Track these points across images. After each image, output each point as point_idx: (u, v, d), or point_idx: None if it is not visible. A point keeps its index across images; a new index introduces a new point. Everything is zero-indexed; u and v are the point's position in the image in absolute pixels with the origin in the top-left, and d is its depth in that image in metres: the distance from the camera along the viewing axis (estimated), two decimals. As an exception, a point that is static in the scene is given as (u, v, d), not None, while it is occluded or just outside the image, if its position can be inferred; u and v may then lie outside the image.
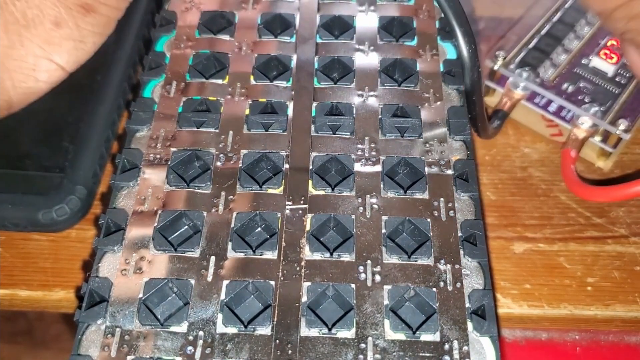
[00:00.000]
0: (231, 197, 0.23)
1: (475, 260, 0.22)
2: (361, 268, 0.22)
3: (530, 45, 0.33)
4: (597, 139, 0.30)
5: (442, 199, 0.23)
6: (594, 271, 0.28)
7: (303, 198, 0.23)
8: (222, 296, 0.21)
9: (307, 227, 0.23)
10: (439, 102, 0.26)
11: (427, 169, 0.24)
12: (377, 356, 0.20)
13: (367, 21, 0.29)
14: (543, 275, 0.27)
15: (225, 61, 0.28)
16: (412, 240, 0.23)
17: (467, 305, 0.21)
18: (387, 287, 0.21)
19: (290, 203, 0.23)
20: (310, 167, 0.24)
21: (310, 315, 0.21)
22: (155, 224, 0.23)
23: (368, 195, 0.23)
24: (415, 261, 0.22)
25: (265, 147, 0.25)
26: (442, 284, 0.21)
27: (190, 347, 0.20)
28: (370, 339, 0.20)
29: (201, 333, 0.20)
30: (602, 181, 0.31)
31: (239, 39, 0.29)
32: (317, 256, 0.22)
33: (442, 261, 0.22)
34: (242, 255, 0.22)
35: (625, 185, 0.27)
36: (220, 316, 0.21)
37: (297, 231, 0.23)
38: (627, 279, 0.27)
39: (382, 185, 0.24)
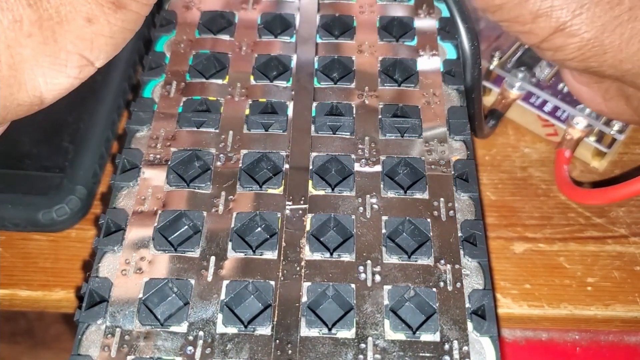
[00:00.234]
0: (231, 197, 0.23)
1: (475, 260, 0.22)
2: (361, 268, 0.22)
3: (527, 46, 0.33)
4: (591, 139, 0.30)
5: (442, 199, 0.23)
6: (594, 271, 0.28)
7: (303, 198, 0.23)
8: (222, 296, 0.21)
9: (307, 227, 0.23)
10: (439, 102, 0.26)
11: (427, 169, 0.24)
12: (377, 356, 0.20)
13: (367, 21, 0.29)
14: (543, 275, 0.27)
15: (225, 61, 0.28)
16: (412, 240, 0.23)
17: (467, 305, 0.21)
18: (387, 287, 0.21)
19: (290, 203, 0.23)
20: (310, 167, 0.24)
21: (310, 315, 0.21)
22: (155, 224, 0.23)
23: (368, 195, 0.23)
24: (415, 261, 0.22)
25: (265, 147, 0.25)
26: (442, 284, 0.21)
27: (190, 347, 0.20)
28: (370, 339, 0.20)
29: (201, 333, 0.20)
30: (599, 182, 0.31)
31: (239, 39, 0.29)
32: (317, 256, 0.22)
33: (442, 261, 0.22)
34: (242, 255, 0.22)
35: (615, 188, 0.27)
36: (220, 316, 0.21)
37: (297, 231, 0.23)
38: (627, 279, 0.27)
39: (382, 185, 0.24)
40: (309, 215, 0.23)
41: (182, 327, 0.20)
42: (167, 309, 0.21)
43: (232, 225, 0.23)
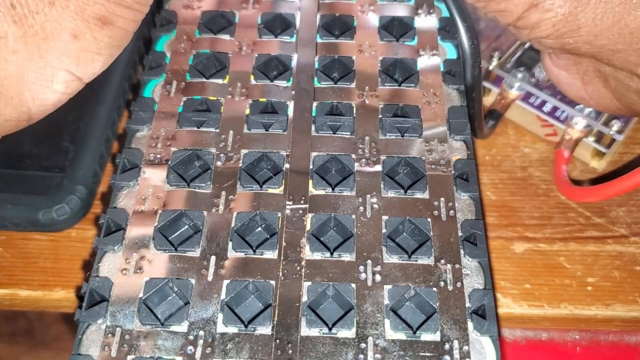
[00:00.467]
0: (231, 196, 0.23)
1: (476, 260, 0.22)
2: (361, 268, 0.22)
3: (526, 46, 0.33)
4: (590, 139, 0.30)
5: (442, 199, 0.23)
6: (594, 271, 0.28)
7: (303, 198, 0.23)
8: (223, 296, 0.21)
9: (308, 227, 0.23)
10: (439, 102, 0.26)
11: (427, 169, 0.24)
12: (378, 356, 0.20)
13: (367, 21, 0.29)
14: (543, 275, 0.27)
15: (225, 61, 0.28)
16: (413, 240, 0.23)
17: (468, 305, 0.21)
18: (387, 287, 0.21)
19: (290, 203, 0.23)
20: (311, 167, 0.24)
21: (310, 315, 0.21)
22: (156, 224, 0.23)
23: (368, 195, 0.23)
24: (416, 261, 0.22)
25: (266, 147, 0.25)
26: (442, 283, 0.21)
27: (190, 347, 0.20)
28: (370, 338, 0.20)
29: (201, 333, 0.20)
30: (597, 180, 0.31)
31: (239, 38, 0.29)
32: (318, 256, 0.22)
33: (443, 261, 0.22)
34: (242, 255, 0.22)
35: (611, 184, 0.27)
36: (220, 316, 0.21)
37: (298, 231, 0.23)
38: (627, 279, 0.27)
39: (382, 185, 0.24)
40: (309, 215, 0.23)
41: (183, 327, 0.20)
42: (167, 308, 0.21)
43: (233, 225, 0.23)
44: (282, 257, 0.22)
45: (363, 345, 0.20)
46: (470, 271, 0.22)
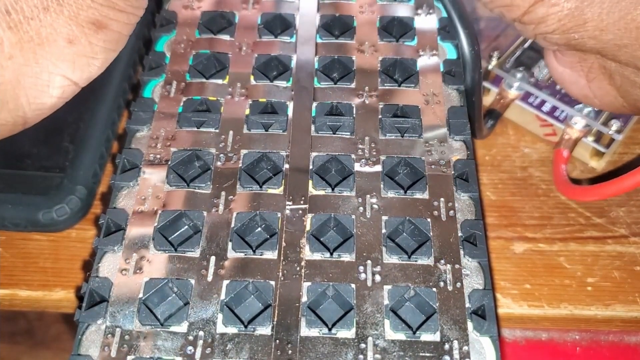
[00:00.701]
0: (231, 197, 0.23)
1: (475, 260, 0.22)
2: (361, 268, 0.22)
3: (525, 45, 0.33)
4: (590, 139, 0.30)
5: (442, 199, 0.23)
6: (594, 271, 0.28)
7: (303, 198, 0.23)
8: (222, 296, 0.21)
9: (307, 227, 0.23)
10: (439, 102, 0.26)
11: (427, 169, 0.24)
12: (377, 356, 0.20)
13: (367, 21, 0.29)
14: (543, 275, 0.27)
15: (225, 61, 0.28)
16: (412, 240, 0.23)
17: (467, 305, 0.21)
18: (387, 287, 0.21)
19: (290, 203, 0.23)
20: (311, 167, 0.24)
21: (310, 315, 0.21)
22: (156, 224, 0.23)
23: (368, 195, 0.23)
24: (415, 261, 0.22)
25: (265, 147, 0.25)
26: (442, 284, 0.21)
27: (190, 347, 0.20)
28: (370, 339, 0.20)
29: (201, 333, 0.20)
30: (596, 180, 0.31)
31: (239, 39, 0.29)
32: (317, 256, 0.22)
33: (442, 261, 0.22)
34: (242, 255, 0.22)
35: (611, 183, 0.27)
36: (220, 316, 0.21)
37: (297, 231, 0.23)
38: (627, 279, 0.27)
39: (382, 185, 0.24)
40: (309, 215, 0.23)
41: (182, 327, 0.20)
42: (167, 308, 0.21)
43: (232, 225, 0.23)
44: (281, 258, 0.22)
45: (363, 345, 0.20)
46: (470, 271, 0.22)
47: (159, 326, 0.20)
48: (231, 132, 0.25)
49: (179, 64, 0.28)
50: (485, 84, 0.32)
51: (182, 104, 0.26)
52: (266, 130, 0.25)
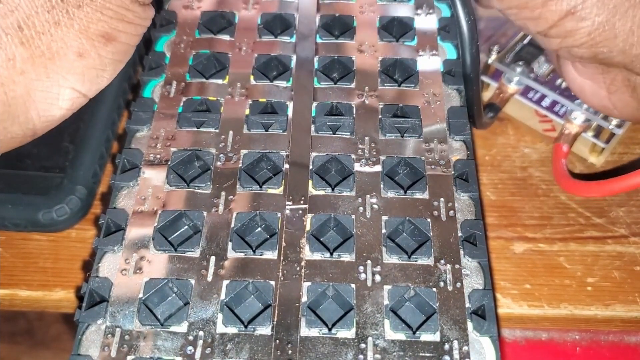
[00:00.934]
0: (231, 197, 0.23)
1: (475, 260, 0.22)
2: (361, 268, 0.22)
3: (525, 41, 0.33)
4: (589, 134, 0.30)
5: (442, 199, 0.23)
6: (594, 271, 0.28)
7: (303, 198, 0.23)
8: (222, 296, 0.21)
9: (307, 227, 0.23)
10: (439, 102, 0.26)
11: (427, 169, 0.24)
12: (377, 356, 0.20)
13: (367, 21, 0.29)
14: (543, 275, 0.27)
15: (225, 61, 0.28)
16: (412, 240, 0.23)
17: (467, 305, 0.21)
18: (387, 287, 0.21)
19: (290, 203, 0.23)
20: (310, 167, 0.24)
21: (310, 315, 0.21)
22: (155, 224, 0.23)
23: (368, 195, 0.23)
24: (415, 261, 0.22)
25: (265, 147, 0.25)
26: (442, 284, 0.21)
27: (190, 347, 0.20)
28: (370, 339, 0.20)
29: (201, 333, 0.20)
30: (595, 175, 0.31)
31: (239, 39, 0.29)
32: (317, 256, 0.22)
33: (442, 261, 0.22)
34: (242, 255, 0.22)
35: (612, 181, 0.27)
36: (220, 316, 0.21)
37: (297, 231, 0.23)
38: (627, 279, 0.27)
39: (382, 185, 0.24)
40: (309, 215, 0.23)
41: (182, 327, 0.20)
42: (167, 309, 0.21)
43: (232, 225, 0.23)
44: (281, 258, 0.22)
45: (363, 345, 0.20)
46: (470, 271, 0.22)
47: (159, 326, 0.20)
48: (231, 132, 0.25)
49: (179, 64, 0.28)
50: (485, 78, 0.32)
51: (182, 104, 0.26)
52: (266, 130, 0.25)
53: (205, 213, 0.23)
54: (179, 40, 0.29)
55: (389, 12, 0.30)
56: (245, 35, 0.29)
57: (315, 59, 0.28)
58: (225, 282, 0.21)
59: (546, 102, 0.31)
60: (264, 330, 0.20)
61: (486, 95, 0.32)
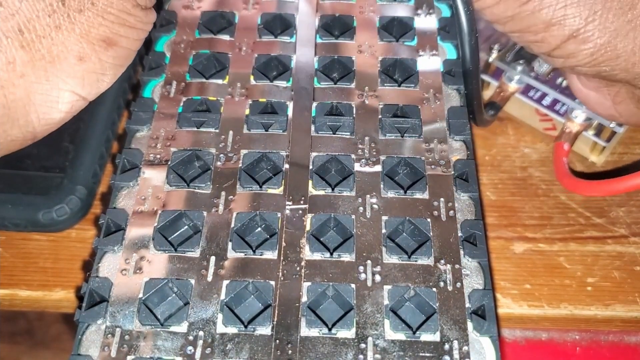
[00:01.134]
0: (231, 197, 0.23)
1: (475, 260, 0.22)
2: (361, 268, 0.22)
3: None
4: (590, 132, 0.30)
5: (442, 199, 0.23)
6: (594, 271, 0.28)
7: (303, 198, 0.23)
8: (222, 296, 0.21)
9: (307, 227, 0.23)
10: (439, 102, 0.26)
11: (427, 169, 0.24)
12: (377, 356, 0.20)
13: (367, 21, 0.29)
14: (543, 275, 0.27)
15: (225, 61, 0.28)
16: (412, 240, 0.23)
17: (467, 305, 0.21)
18: (387, 287, 0.21)
19: (290, 203, 0.23)
20: (310, 167, 0.24)
21: (310, 315, 0.21)
22: (155, 224, 0.23)
23: (368, 195, 0.23)
24: (415, 261, 0.22)
25: (265, 147, 0.25)
26: (442, 284, 0.21)
27: (190, 347, 0.20)
28: (370, 339, 0.20)
29: (201, 333, 0.20)
30: (596, 175, 0.31)
31: (239, 39, 0.29)
32: (317, 256, 0.22)
33: (442, 261, 0.22)
34: (242, 255, 0.22)
35: (615, 180, 0.27)
36: (220, 316, 0.21)
37: (297, 231, 0.23)
38: (627, 279, 0.27)
39: (382, 185, 0.24)
40: (309, 215, 0.23)
41: (182, 327, 0.20)
42: (167, 309, 0.21)
43: (232, 225, 0.23)
44: (281, 258, 0.22)
45: (363, 345, 0.20)
46: (470, 271, 0.22)
47: (159, 326, 0.20)
48: (231, 132, 0.25)
49: (179, 64, 0.28)
50: (486, 77, 0.32)
51: (182, 104, 0.26)
52: (266, 130, 0.25)
53: (205, 213, 0.23)
54: (179, 40, 0.29)
55: (389, 12, 0.30)
56: (245, 35, 0.29)
57: (315, 59, 0.28)
58: (225, 282, 0.21)
59: (547, 101, 0.31)
60: (264, 330, 0.20)
61: (487, 94, 0.32)
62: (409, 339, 0.20)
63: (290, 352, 0.20)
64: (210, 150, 0.25)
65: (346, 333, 0.20)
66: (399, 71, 0.28)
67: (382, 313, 0.21)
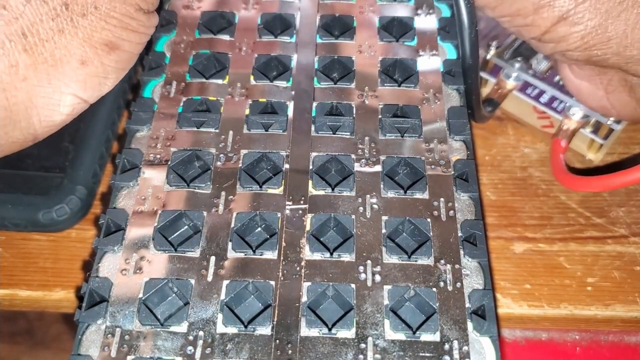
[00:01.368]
0: (231, 197, 0.23)
1: (475, 260, 0.22)
2: (361, 268, 0.22)
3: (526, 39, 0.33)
4: (588, 130, 0.30)
5: (442, 199, 0.23)
6: (594, 271, 0.28)
7: (303, 198, 0.23)
8: (222, 296, 0.21)
9: (307, 227, 0.23)
10: (439, 102, 0.26)
11: (427, 169, 0.24)
12: (377, 356, 0.20)
13: (367, 21, 0.29)
14: (543, 275, 0.27)
15: (225, 61, 0.28)
16: (412, 240, 0.23)
17: (467, 305, 0.21)
18: (387, 287, 0.21)
19: (290, 203, 0.23)
20: (310, 167, 0.24)
21: (310, 315, 0.21)
22: (155, 224, 0.23)
23: (368, 195, 0.23)
24: (415, 261, 0.22)
25: (265, 147, 0.25)
26: (442, 284, 0.21)
27: (190, 347, 0.20)
28: (370, 339, 0.20)
29: (201, 333, 0.20)
30: (592, 171, 0.31)
31: (239, 39, 0.29)
32: (317, 256, 0.22)
33: (442, 261, 0.22)
34: (242, 255, 0.22)
35: (612, 175, 0.26)
36: (220, 316, 0.21)
37: (297, 231, 0.23)
38: (627, 279, 0.27)
39: (382, 185, 0.24)
40: (309, 215, 0.23)
41: (182, 327, 0.20)
42: (167, 309, 0.21)
43: (232, 225, 0.23)
44: (281, 258, 0.22)
45: (363, 345, 0.20)
46: (470, 271, 0.22)
47: (159, 326, 0.20)
48: (231, 132, 0.25)
49: (179, 64, 0.28)
50: (484, 74, 0.32)
51: (182, 104, 0.26)
52: (266, 130, 0.25)
53: (205, 213, 0.23)
54: (179, 40, 0.29)
55: (389, 12, 0.30)
56: (245, 35, 0.29)
57: (315, 59, 0.28)
58: (225, 282, 0.21)
59: (544, 98, 0.31)
60: (264, 330, 0.20)
61: (485, 91, 0.32)
62: (409, 339, 0.20)
63: (290, 352, 0.20)
64: (210, 150, 0.25)
65: (346, 333, 0.20)
66: (399, 71, 0.28)
67: (382, 313, 0.21)
